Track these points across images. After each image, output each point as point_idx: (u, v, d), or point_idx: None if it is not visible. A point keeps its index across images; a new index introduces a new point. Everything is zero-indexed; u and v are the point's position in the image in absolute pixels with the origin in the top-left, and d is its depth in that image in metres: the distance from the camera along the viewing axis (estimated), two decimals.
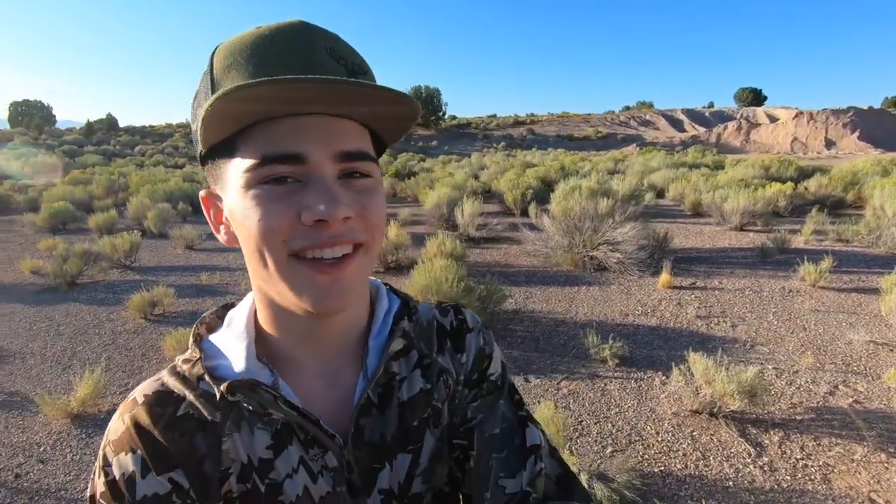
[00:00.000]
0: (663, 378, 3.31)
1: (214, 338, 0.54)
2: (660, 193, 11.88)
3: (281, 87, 0.38)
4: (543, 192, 10.44)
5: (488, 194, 11.75)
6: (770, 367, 3.45)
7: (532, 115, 64.76)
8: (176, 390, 0.50)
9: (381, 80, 0.46)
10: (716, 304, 4.66)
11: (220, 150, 0.45)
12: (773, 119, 50.15)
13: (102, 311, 5.00)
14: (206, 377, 0.49)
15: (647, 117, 60.39)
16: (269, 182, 0.43)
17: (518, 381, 3.33)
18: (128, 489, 0.45)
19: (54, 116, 53.05)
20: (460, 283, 4.08)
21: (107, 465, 0.47)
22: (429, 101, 49.98)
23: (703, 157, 22.25)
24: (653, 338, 3.99)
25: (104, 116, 45.02)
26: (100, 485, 0.47)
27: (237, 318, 0.55)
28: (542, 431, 0.55)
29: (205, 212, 0.52)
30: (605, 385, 3.26)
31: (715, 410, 2.81)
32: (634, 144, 40.94)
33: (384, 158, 19.71)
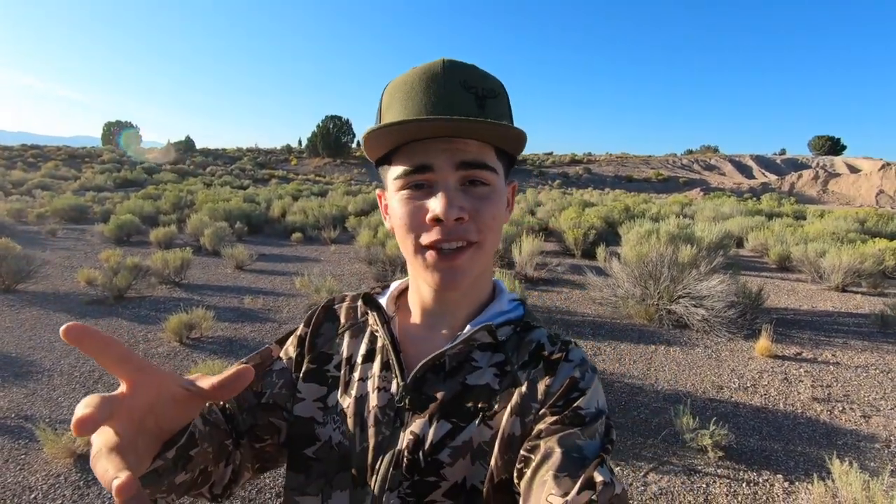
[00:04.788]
0: (786, 484, 2.56)
1: (393, 283, 0.76)
2: (738, 243, 10.83)
3: (411, 126, 0.53)
4: (607, 234, 9.74)
5: (546, 232, 11.15)
6: None
7: (589, 154, 63.53)
8: (347, 297, 0.76)
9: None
10: (835, 385, 3.81)
11: (383, 162, 0.61)
12: (853, 169, 46.52)
13: (141, 329, 4.80)
14: (362, 297, 0.72)
15: (713, 162, 57.74)
16: (411, 188, 0.58)
17: None
18: (302, 325, 0.74)
19: (140, 137, 57.73)
20: None
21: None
22: None
23: (780, 205, 20.63)
24: (760, 423, 3.22)
25: (183, 139, 48.45)
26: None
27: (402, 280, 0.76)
28: (623, 487, 0.49)
29: (379, 205, 0.68)
30: (708, 486, 2.55)
31: None
32: (698, 189, 38.93)
33: None
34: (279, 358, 0.71)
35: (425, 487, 0.58)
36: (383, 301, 0.69)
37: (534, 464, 0.52)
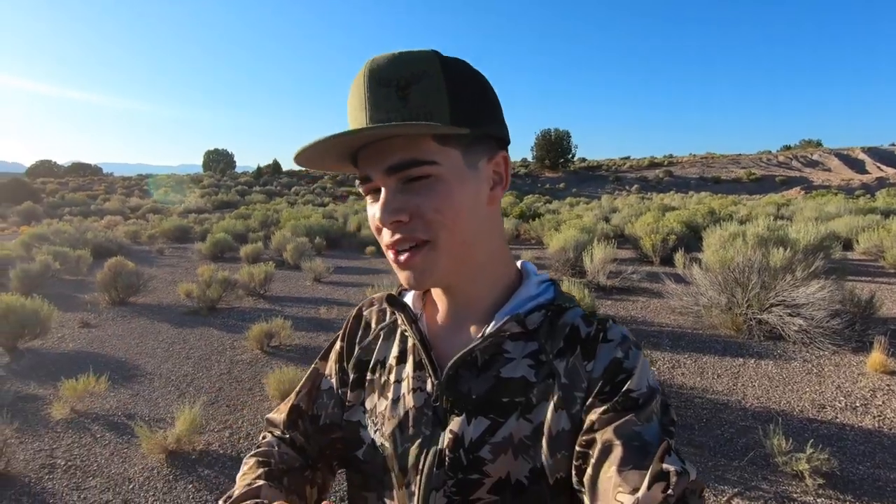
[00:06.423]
0: None
1: None
2: (845, 245, 9.66)
3: (330, 141, 0.52)
4: (689, 239, 9.11)
5: (621, 239, 10.65)
6: None
7: (670, 156, 59.97)
8: (375, 301, 0.76)
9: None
10: None
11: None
12: None
13: (228, 337, 5.20)
14: (386, 298, 0.70)
15: (815, 157, 52.15)
16: (369, 194, 0.59)
17: None
18: (339, 340, 0.77)
19: (235, 162, 63.32)
20: None
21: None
22: (557, 144, 49.29)
23: None
24: (872, 448, 2.81)
25: (271, 162, 52.39)
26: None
27: None
28: (697, 471, 0.47)
29: None
30: None
31: None
32: (798, 188, 35.34)
33: (508, 199, 19.42)
34: (326, 376, 0.74)
35: (470, 485, 0.57)
36: (409, 300, 0.69)
37: (593, 460, 0.50)
